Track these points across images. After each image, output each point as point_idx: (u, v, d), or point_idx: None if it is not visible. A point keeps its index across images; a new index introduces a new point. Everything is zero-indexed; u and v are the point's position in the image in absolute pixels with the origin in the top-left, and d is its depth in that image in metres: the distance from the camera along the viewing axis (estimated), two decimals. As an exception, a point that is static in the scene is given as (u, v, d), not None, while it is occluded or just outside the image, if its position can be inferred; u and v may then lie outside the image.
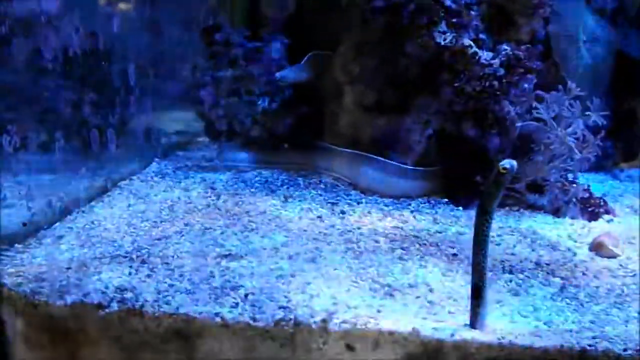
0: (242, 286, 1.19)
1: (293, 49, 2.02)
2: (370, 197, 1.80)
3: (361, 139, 1.90)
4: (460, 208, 1.75)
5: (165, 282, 1.20)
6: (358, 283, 1.24)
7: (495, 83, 1.72)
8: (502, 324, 1.16)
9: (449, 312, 1.18)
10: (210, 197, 1.72)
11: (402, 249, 1.45)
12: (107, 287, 1.16)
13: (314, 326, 1.08)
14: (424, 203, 1.78)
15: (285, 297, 1.16)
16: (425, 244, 1.48)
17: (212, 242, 1.40)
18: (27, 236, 1.44)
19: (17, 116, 1.49)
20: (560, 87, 1.72)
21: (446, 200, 1.79)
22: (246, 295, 1.15)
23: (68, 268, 1.25)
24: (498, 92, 1.71)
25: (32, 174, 1.54)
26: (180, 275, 1.23)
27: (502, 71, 1.73)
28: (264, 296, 1.15)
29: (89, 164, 1.72)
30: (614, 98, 2.26)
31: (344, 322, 1.08)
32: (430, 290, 1.25)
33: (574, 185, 1.75)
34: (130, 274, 1.23)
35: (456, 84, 1.73)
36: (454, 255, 1.44)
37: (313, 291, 1.19)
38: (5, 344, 1.12)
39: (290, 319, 1.08)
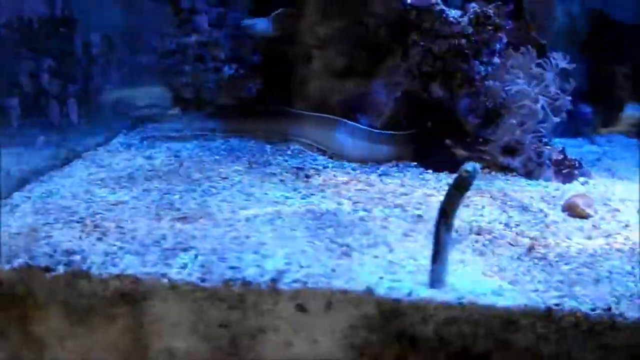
0: (193, 247, 1.16)
1: (257, 14, 1.97)
2: (337, 162, 1.77)
3: (330, 104, 1.87)
4: (430, 171, 1.71)
5: (115, 245, 1.16)
6: (314, 244, 1.21)
7: (464, 42, 1.67)
8: (464, 283, 1.12)
9: (408, 272, 1.15)
10: (173, 164, 1.69)
11: (365, 210, 1.41)
12: (54, 251, 1.13)
13: (263, 286, 1.04)
14: (393, 167, 1.74)
15: (237, 258, 1.12)
16: (389, 206, 1.45)
17: (169, 206, 1.36)
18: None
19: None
20: (527, 47, 1.68)
21: (415, 163, 1.75)
22: (196, 256, 1.12)
23: (17, 234, 1.21)
24: (467, 51, 1.67)
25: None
26: (132, 238, 1.20)
27: (470, 30, 1.68)
28: (214, 257, 1.12)
29: (50, 135, 1.68)
30: (592, 61, 2.22)
31: (295, 281, 1.05)
32: (390, 251, 1.22)
33: (548, 147, 1.72)
34: (80, 237, 1.20)
35: (423, 44, 1.69)
36: (419, 216, 1.41)
37: (267, 252, 1.16)
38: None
39: (239, 279, 1.05)
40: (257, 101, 1.95)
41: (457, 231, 1.33)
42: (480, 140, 1.72)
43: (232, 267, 1.09)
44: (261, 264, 1.11)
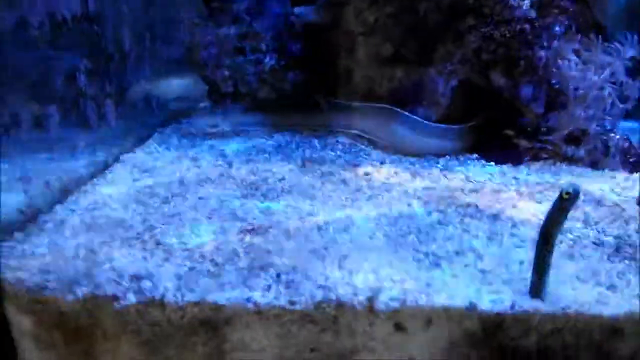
0: (271, 265, 1.06)
1: (299, 2, 1.86)
2: (393, 156, 1.67)
3: (378, 93, 1.76)
4: (492, 163, 1.62)
5: (185, 266, 1.07)
6: (399, 254, 1.12)
7: (527, 27, 1.57)
8: (563, 291, 1.04)
9: (504, 282, 1.06)
10: (222, 165, 1.59)
11: (439, 211, 1.32)
12: (120, 276, 1.04)
13: (359, 307, 0.96)
14: (453, 160, 1.65)
15: (322, 275, 1.03)
16: (462, 205, 1.36)
17: (231, 216, 1.27)
18: (26, 222, 1.30)
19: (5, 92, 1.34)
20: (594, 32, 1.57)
21: (476, 156, 1.66)
22: (278, 276, 1.03)
23: (75, 257, 1.11)
24: (530, 37, 1.56)
25: (26, 154, 1.40)
26: (201, 257, 1.10)
27: (533, 14, 1.58)
28: (298, 275, 1.03)
29: (87, 139, 1.58)
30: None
31: (392, 299, 0.97)
32: (479, 257, 1.13)
33: (613, 135, 1.62)
34: (145, 258, 1.10)
35: (483, 30, 1.58)
36: (495, 216, 1.32)
37: (351, 266, 1.07)
38: (10, 346, 1.00)
39: (333, 300, 0.96)
40: (300, 93, 1.84)
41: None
42: (543, 129, 1.62)
43: (320, 286, 1.00)
44: (350, 281, 1.02)
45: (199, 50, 1.87)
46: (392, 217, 1.27)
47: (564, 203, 0.98)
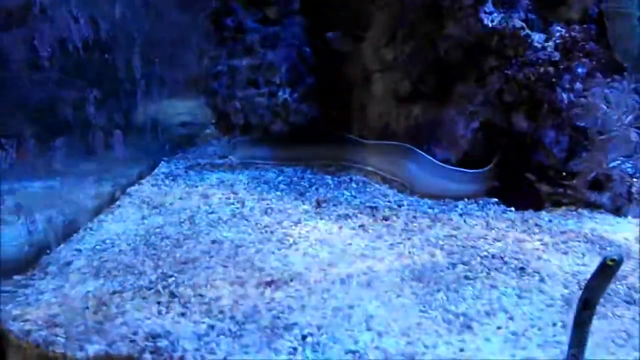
0: (295, 324, 1.00)
1: (312, 32, 1.81)
2: (410, 198, 1.62)
3: (393, 131, 1.72)
4: (512, 209, 1.57)
5: (204, 323, 1.01)
6: (428, 314, 1.07)
7: (551, 69, 1.53)
8: (600, 356, 0.99)
9: (538, 346, 1.01)
10: (233, 203, 1.53)
11: (464, 263, 1.27)
12: (135, 333, 0.97)
13: (393, 377, 0.90)
14: (472, 204, 1.60)
15: (351, 337, 0.97)
16: (486, 257, 1.31)
17: (249, 265, 1.21)
18: (28, 263, 1.22)
19: (8, 119, 1.27)
20: (622, 74, 1.54)
21: (495, 200, 1.61)
22: (304, 337, 0.97)
23: (85, 308, 1.05)
24: (554, 79, 1.52)
25: (29, 183, 1.32)
26: (221, 312, 1.04)
27: (557, 55, 1.54)
28: (324, 337, 0.97)
29: (93, 169, 1.51)
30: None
31: (427, 368, 0.91)
32: (511, 318, 1.08)
33: (637, 180, 1.58)
34: (160, 312, 1.04)
35: (507, 71, 1.54)
36: (522, 269, 1.27)
37: (380, 327, 1.01)
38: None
39: (365, 369, 0.90)
40: (314, 127, 1.79)
41: (566, 287, 1.21)
42: (565, 174, 1.58)
43: (350, 351, 0.94)
44: (380, 345, 0.96)
45: (208, 79, 1.81)
46: (417, 270, 1.22)
47: (608, 270, 0.93)
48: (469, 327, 1.04)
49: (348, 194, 1.62)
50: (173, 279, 1.15)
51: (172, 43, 2.04)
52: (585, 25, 1.60)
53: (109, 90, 1.59)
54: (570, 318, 1.05)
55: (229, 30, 1.80)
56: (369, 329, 1.00)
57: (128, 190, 1.62)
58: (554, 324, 1.07)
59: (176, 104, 2.10)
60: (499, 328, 1.05)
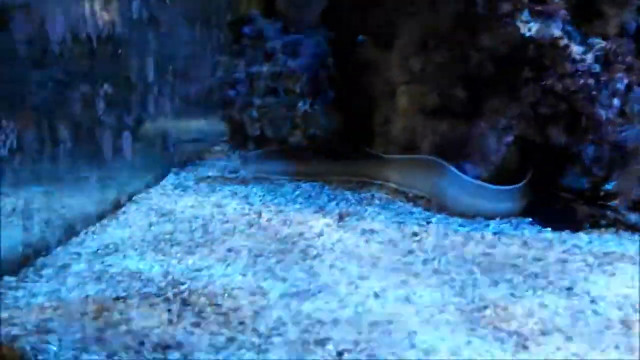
0: (328, 339, 0.87)
1: (337, 42, 1.72)
2: (439, 215, 1.50)
3: (419, 146, 1.61)
4: (549, 229, 1.45)
5: (222, 334, 0.88)
6: (476, 332, 0.94)
7: (591, 82, 1.44)
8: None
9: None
10: (249, 214, 1.41)
11: (506, 281, 1.15)
12: (141, 343, 0.84)
13: (446, 401, 0.77)
14: (505, 223, 1.48)
15: (393, 353, 0.84)
16: (529, 275, 1.19)
17: (270, 275, 1.08)
18: (22, 265, 1.10)
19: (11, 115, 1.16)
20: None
21: (530, 219, 1.49)
22: (340, 354, 0.84)
23: (84, 314, 0.92)
24: (594, 92, 1.43)
25: (28, 184, 1.21)
26: (240, 324, 0.91)
27: (597, 68, 1.45)
28: (363, 355, 0.84)
29: (96, 174, 1.39)
30: None
31: (484, 392, 0.78)
32: (568, 339, 0.95)
33: (680, 201, 1.47)
34: (171, 322, 0.90)
35: (544, 83, 1.45)
36: (569, 289, 1.15)
37: (425, 345, 0.88)
38: None
39: (413, 391, 0.77)
40: (332, 141, 1.68)
41: (620, 309, 1.09)
42: (604, 194, 1.47)
43: (394, 371, 0.81)
44: (428, 366, 0.83)
45: (223, 88, 1.72)
46: (457, 286, 1.09)
47: None
48: (525, 347, 0.91)
49: (371, 209, 1.50)
50: (185, 286, 1.02)
51: (192, 56, 1.95)
52: (624, 39, 1.52)
53: (119, 96, 1.49)
54: (631, 341, 0.94)
55: (248, 38, 1.71)
56: (412, 347, 0.87)
57: (134, 197, 1.50)
58: (617, 347, 0.95)
59: (190, 119, 2.00)
60: (558, 349, 0.92)
